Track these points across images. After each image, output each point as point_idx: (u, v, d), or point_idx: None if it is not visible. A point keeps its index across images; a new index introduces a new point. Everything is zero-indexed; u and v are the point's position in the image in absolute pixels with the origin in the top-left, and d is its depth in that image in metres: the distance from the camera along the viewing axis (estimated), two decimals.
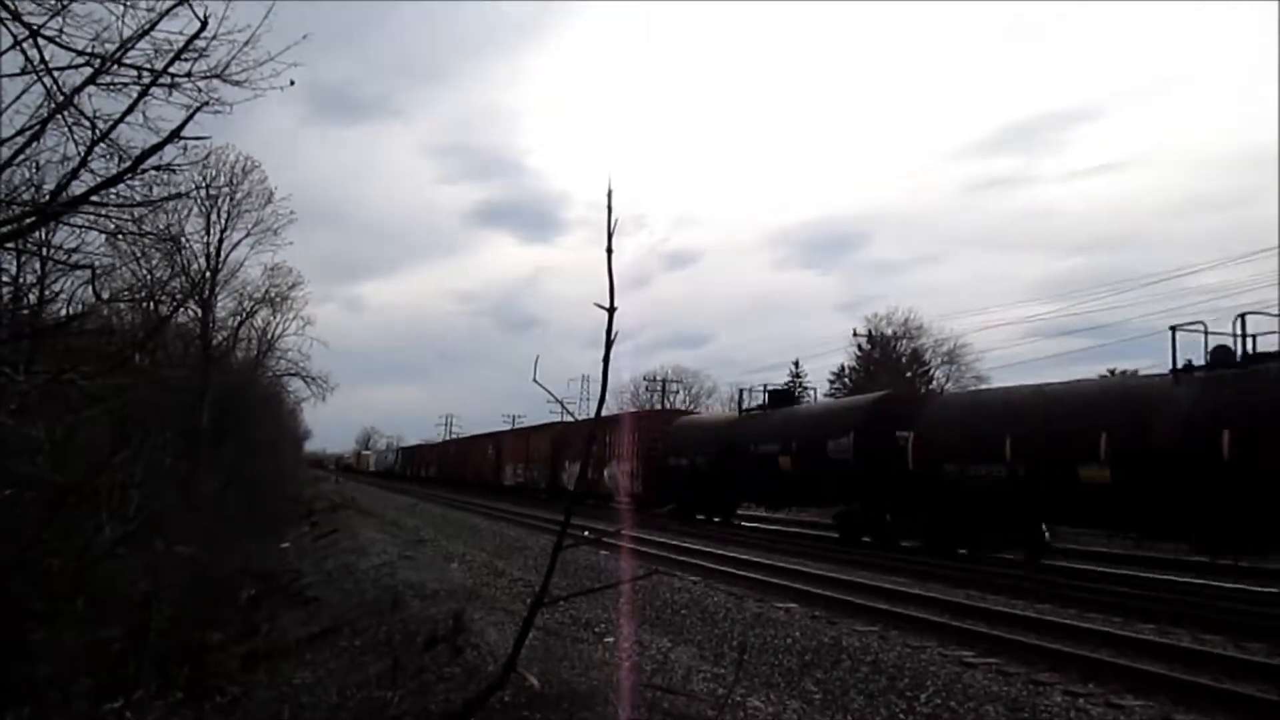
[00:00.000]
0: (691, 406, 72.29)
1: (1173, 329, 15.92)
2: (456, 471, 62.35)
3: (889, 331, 60.99)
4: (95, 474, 6.67)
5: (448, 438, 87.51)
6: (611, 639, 10.97)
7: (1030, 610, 12.19)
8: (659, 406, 66.35)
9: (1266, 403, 13.74)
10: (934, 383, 56.01)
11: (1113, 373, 18.92)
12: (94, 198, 6.86)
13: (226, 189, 33.25)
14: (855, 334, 61.40)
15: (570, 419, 26.71)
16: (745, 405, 31.79)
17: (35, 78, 6.92)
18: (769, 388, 31.06)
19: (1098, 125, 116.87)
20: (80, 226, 7.69)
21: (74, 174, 6.58)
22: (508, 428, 61.59)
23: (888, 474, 21.04)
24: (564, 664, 8.43)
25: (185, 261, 30.26)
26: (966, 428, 19.46)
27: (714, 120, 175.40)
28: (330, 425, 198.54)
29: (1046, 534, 19.42)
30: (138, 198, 7.75)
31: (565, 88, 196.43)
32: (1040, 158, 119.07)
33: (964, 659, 9.33)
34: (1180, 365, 15.68)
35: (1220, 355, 15.43)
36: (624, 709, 6.02)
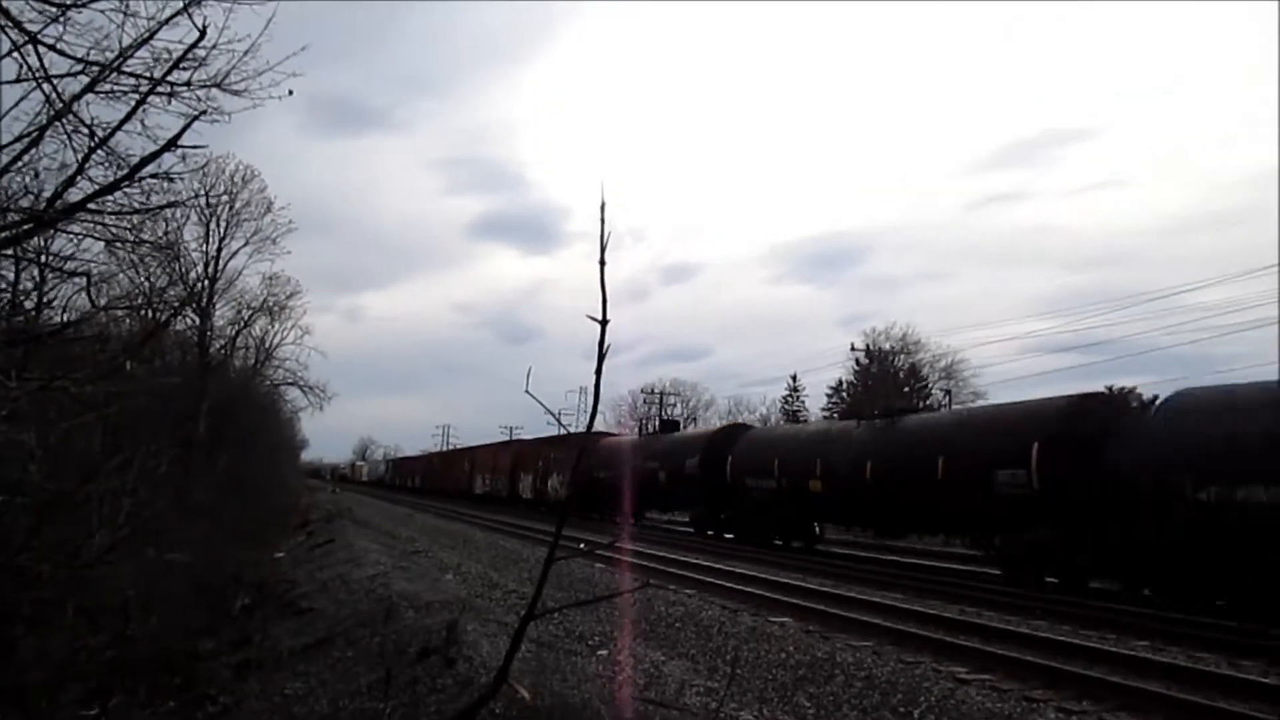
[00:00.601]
0: (688, 418, 72.51)
1: None
2: (438, 482, 66.86)
3: (887, 346, 61.06)
4: (86, 481, 6.65)
5: (443, 448, 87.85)
6: (605, 651, 10.95)
7: (1025, 627, 12.15)
8: (649, 422, 67.04)
9: (890, 444, 21.49)
10: (931, 397, 56.01)
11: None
12: (91, 205, 6.86)
13: (226, 198, 33.39)
14: (853, 348, 61.45)
15: (563, 430, 27.50)
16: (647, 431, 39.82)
17: (34, 85, 6.94)
18: (663, 419, 41.02)
19: (1097, 142, 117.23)
20: (77, 234, 7.69)
21: (71, 181, 6.59)
22: (480, 443, 65.93)
23: (719, 486, 28.14)
24: (556, 676, 8.40)
25: (184, 270, 30.31)
26: (756, 454, 26.91)
27: (714, 135, 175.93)
28: (328, 435, 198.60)
29: (818, 530, 27.12)
30: (135, 205, 7.77)
31: (566, 102, 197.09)
32: (1040, 174, 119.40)
33: (958, 675, 9.30)
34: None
35: (886, 410, 24.21)
36: None
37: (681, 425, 48.84)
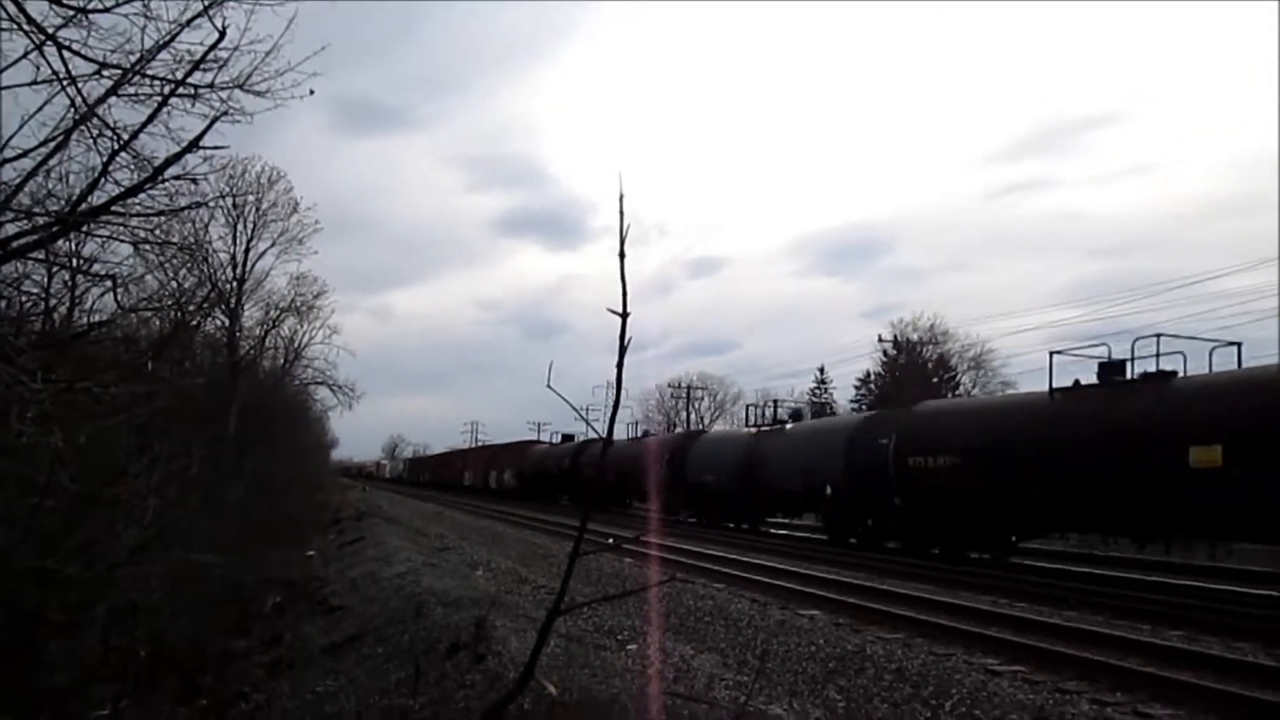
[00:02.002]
0: (715, 412, 72.92)
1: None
2: (440, 477, 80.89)
3: (915, 337, 60.69)
4: (113, 482, 6.70)
5: (472, 445, 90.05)
6: (634, 646, 10.93)
7: (1057, 617, 12.05)
8: (679, 423, 70.69)
9: (762, 449, 29.53)
10: (960, 388, 55.64)
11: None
12: (116, 207, 6.91)
13: (252, 199, 33.62)
14: (880, 340, 61.13)
15: (586, 427, 32.29)
16: (579, 440, 49.55)
17: (59, 88, 6.99)
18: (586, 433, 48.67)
19: (1124, 128, 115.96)
20: (103, 236, 7.75)
21: (96, 183, 6.64)
22: (471, 445, 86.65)
23: (680, 480, 33.45)
24: (585, 671, 8.39)
25: (211, 271, 30.54)
26: (710, 455, 33.14)
27: (736, 128, 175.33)
28: (358, 433, 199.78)
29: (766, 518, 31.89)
30: (161, 207, 7.82)
31: (588, 97, 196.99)
32: (1065, 162, 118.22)
33: (989, 667, 9.22)
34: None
35: (794, 413, 34.36)
36: (643, 716, 5.97)
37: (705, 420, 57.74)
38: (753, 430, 33.39)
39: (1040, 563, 19.86)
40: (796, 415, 34.84)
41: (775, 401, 46.17)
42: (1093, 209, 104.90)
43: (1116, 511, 17.05)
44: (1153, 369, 16.23)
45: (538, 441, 58.81)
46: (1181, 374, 16.24)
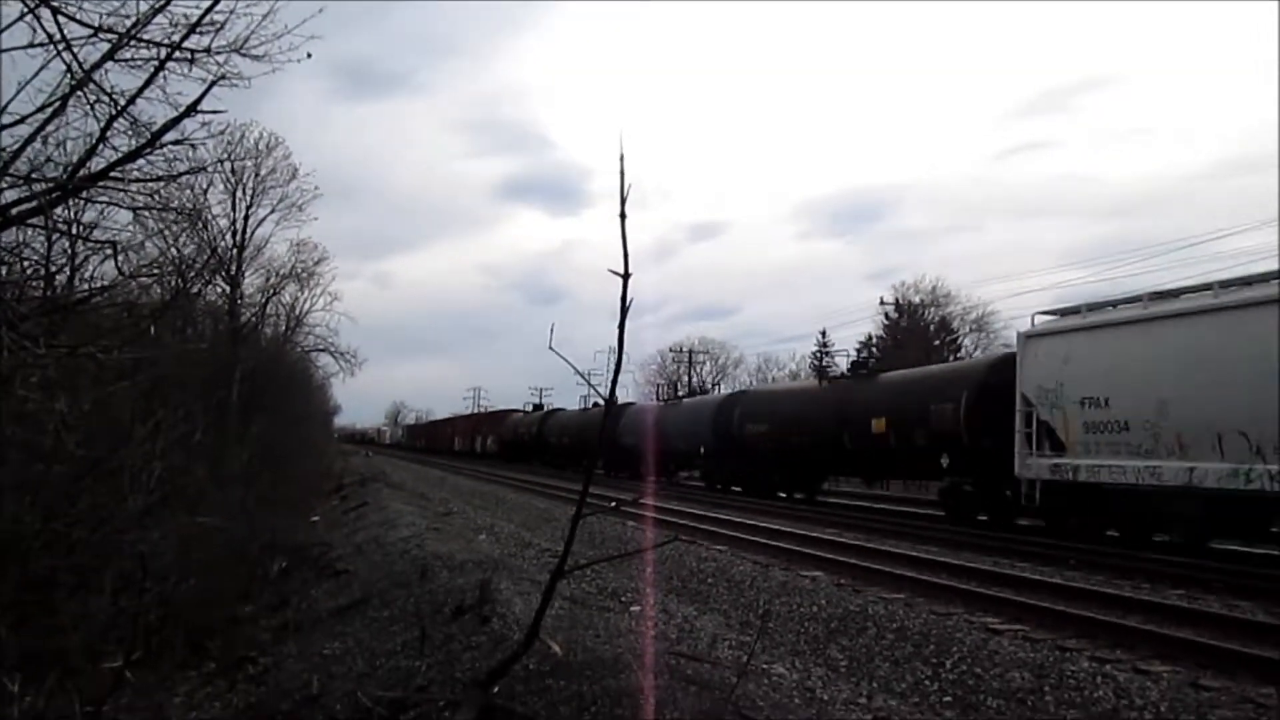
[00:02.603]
0: (718, 376, 73.26)
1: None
2: (434, 443, 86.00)
3: (917, 300, 60.61)
4: (118, 447, 6.72)
5: (474, 411, 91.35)
6: (638, 608, 11.02)
7: (1058, 577, 12.13)
8: (673, 387, 72.30)
9: (665, 418, 35.82)
10: (961, 350, 55.62)
11: None
12: (115, 173, 6.89)
13: (251, 165, 33.48)
14: (882, 302, 61.05)
15: (590, 392, 35.96)
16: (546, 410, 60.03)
17: (54, 53, 6.95)
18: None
19: (1128, 88, 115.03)
20: (102, 203, 7.73)
21: (94, 149, 6.61)
22: (474, 411, 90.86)
23: (613, 442, 39.82)
24: (589, 632, 8.45)
25: (211, 237, 30.46)
26: (633, 423, 39.68)
27: (739, 91, 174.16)
28: (362, 400, 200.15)
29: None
30: (159, 173, 7.80)
31: (590, 60, 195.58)
32: (1066, 123, 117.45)
33: (990, 625, 9.29)
34: None
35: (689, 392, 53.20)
36: (646, 675, 6.03)
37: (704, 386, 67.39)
38: (662, 403, 45.45)
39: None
40: (690, 393, 47.21)
41: (677, 384, 55.66)
42: (1099, 169, 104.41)
43: (849, 462, 25.96)
44: None
45: (514, 411, 67.13)
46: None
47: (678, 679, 6.41)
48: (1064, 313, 17.81)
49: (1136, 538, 15.41)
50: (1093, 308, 17.03)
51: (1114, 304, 16.90)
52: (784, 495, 28.38)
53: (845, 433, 24.13)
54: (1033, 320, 18.08)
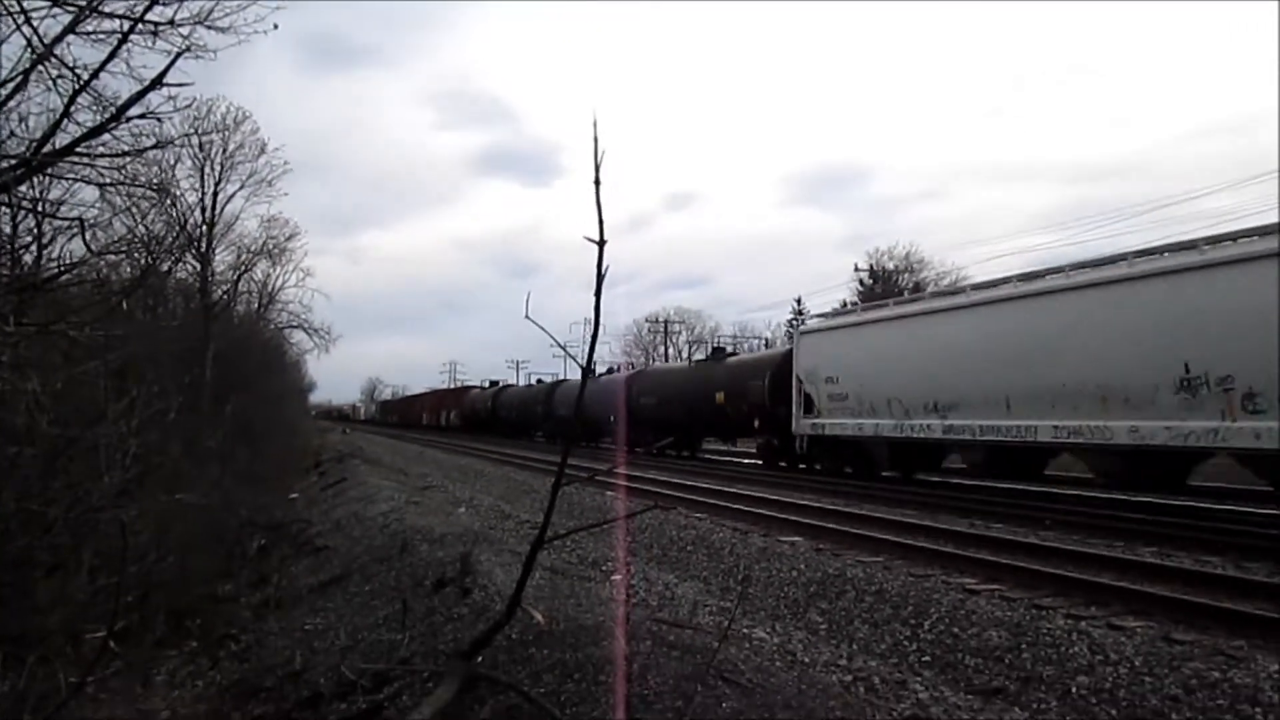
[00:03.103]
0: (693, 346, 73.33)
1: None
2: (405, 418, 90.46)
3: (891, 266, 60.83)
4: (91, 425, 6.66)
5: (450, 386, 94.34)
6: (619, 576, 11.08)
7: (1033, 537, 12.26)
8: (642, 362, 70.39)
9: (587, 392, 28.12)
10: None
11: None
12: (80, 149, 6.79)
13: (219, 140, 33.09)
14: (857, 269, 61.26)
15: (564, 362, 38.83)
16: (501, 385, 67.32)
17: (14, 26, 6.82)
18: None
19: (1096, 57, 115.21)
20: (68, 179, 7.62)
21: (58, 125, 6.50)
22: (426, 391, 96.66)
23: (550, 415, 46.83)
24: (571, 601, 8.50)
25: (180, 214, 30.12)
26: (563, 397, 45.47)
27: (713, 60, 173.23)
28: (337, 376, 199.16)
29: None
30: (124, 148, 7.68)
31: (562, 30, 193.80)
32: (1039, 88, 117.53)
33: (967, 586, 9.39)
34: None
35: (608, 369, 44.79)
36: (627, 642, 6.08)
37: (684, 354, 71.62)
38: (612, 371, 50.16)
39: (1020, 485, 20.14)
40: (608, 371, 46.38)
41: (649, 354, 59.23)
42: (1067, 134, 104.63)
43: (711, 427, 32.62)
44: None
45: (473, 388, 73.81)
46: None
47: (659, 645, 6.46)
48: (826, 315, 26.47)
49: (863, 472, 21.86)
50: (837, 313, 26.08)
51: (865, 307, 26.06)
52: (673, 453, 34.20)
53: (703, 404, 30.47)
54: (803, 320, 28.49)
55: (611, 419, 36.63)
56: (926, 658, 7.75)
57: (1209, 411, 13.51)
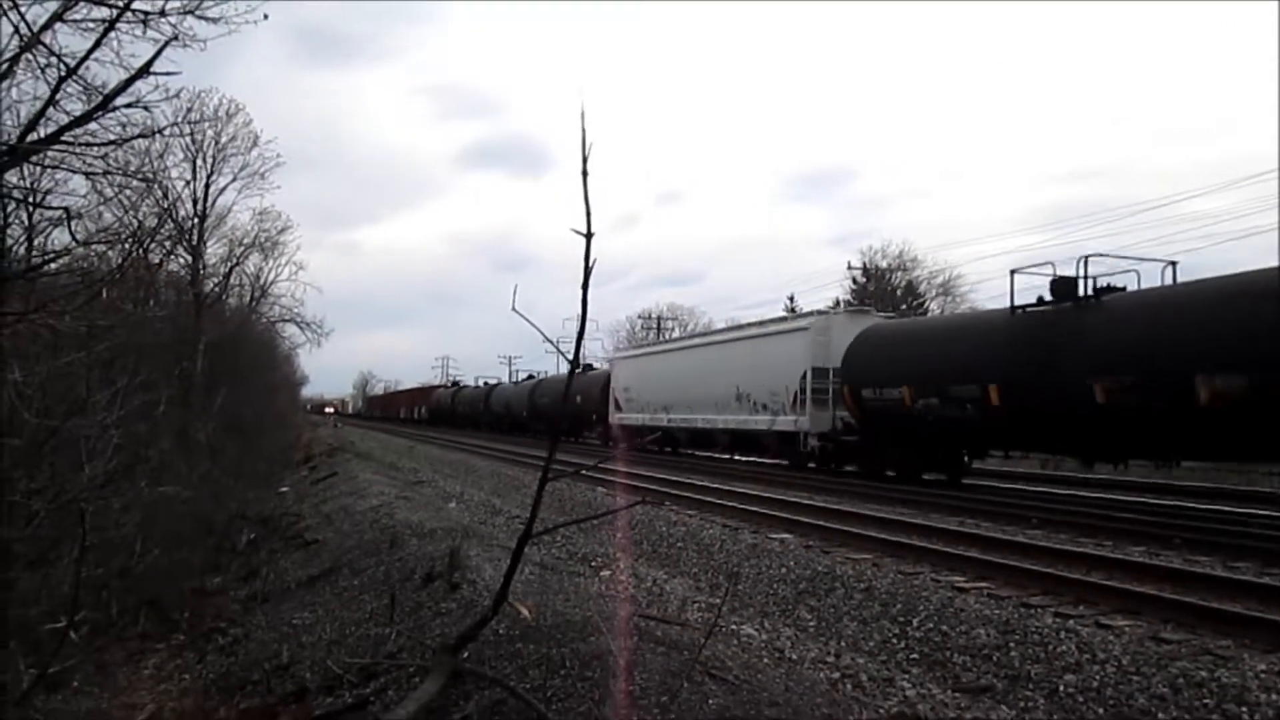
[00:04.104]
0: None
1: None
2: (387, 412, 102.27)
3: (883, 264, 60.84)
4: (72, 415, 6.61)
5: (444, 382, 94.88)
6: (608, 572, 11.05)
7: (1022, 536, 12.27)
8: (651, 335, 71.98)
9: (537, 390, 51.08)
10: (928, 314, 55.89)
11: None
12: (66, 137, 6.73)
13: (211, 132, 32.92)
14: (850, 267, 61.27)
15: (556, 355, 40.58)
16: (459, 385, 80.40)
17: (1, 13, 6.75)
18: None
19: (1085, 53, 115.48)
20: (55, 167, 7.56)
21: (43, 112, 6.44)
22: (403, 389, 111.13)
23: (487, 410, 60.63)
24: (559, 597, 8.47)
25: (171, 205, 29.98)
26: (510, 395, 56.93)
27: (705, 54, 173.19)
28: (329, 371, 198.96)
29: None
30: (113, 136, 7.62)
31: (554, 24, 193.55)
32: (1031, 87, 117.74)
33: (956, 584, 9.37)
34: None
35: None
36: (615, 638, 6.05)
37: None
38: (533, 379, 57.61)
39: (1004, 484, 20.19)
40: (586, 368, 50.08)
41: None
42: (1057, 134, 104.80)
43: (573, 422, 42.99)
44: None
45: (438, 388, 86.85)
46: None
47: (647, 640, 6.45)
48: (629, 349, 44.21)
49: (665, 448, 33.45)
50: (634, 348, 46.33)
51: (659, 341, 45.42)
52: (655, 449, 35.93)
53: (572, 405, 40.57)
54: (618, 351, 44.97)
55: (595, 416, 41.31)
56: (914, 655, 7.73)
57: (747, 411, 27.18)
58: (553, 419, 43.95)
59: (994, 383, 17.32)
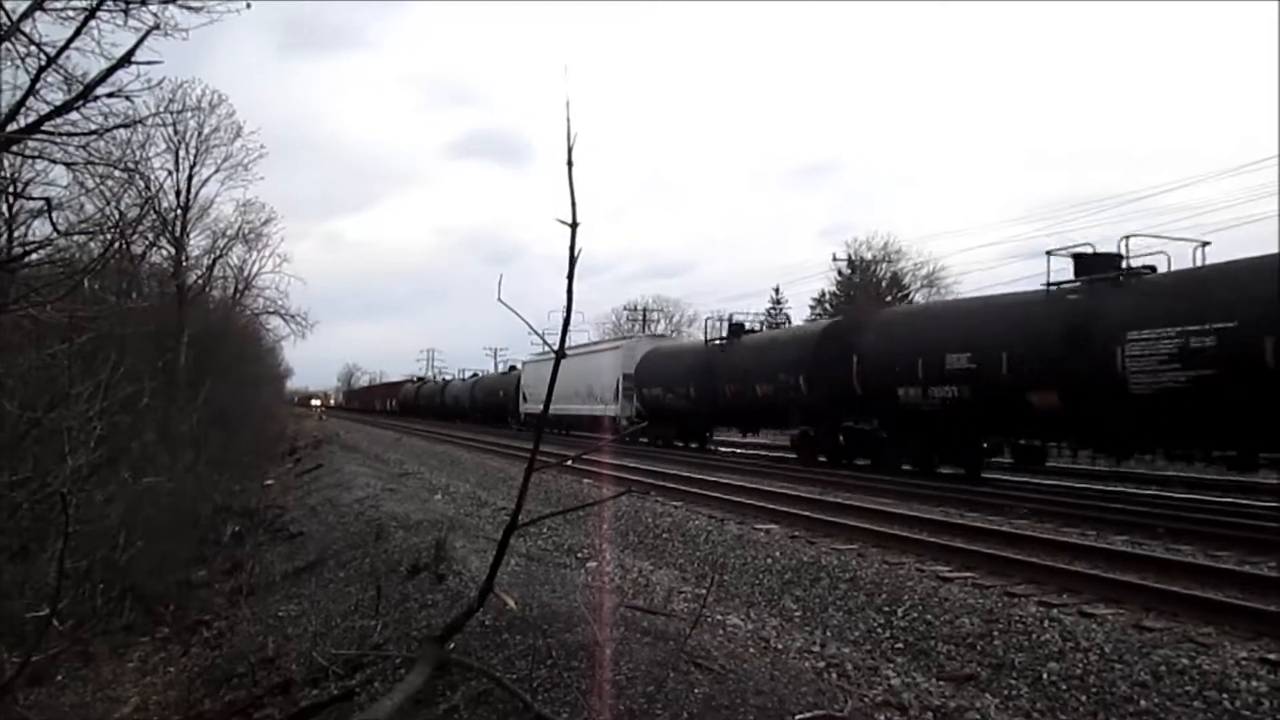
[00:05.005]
0: (672, 333, 73.32)
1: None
2: (365, 405, 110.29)
3: (869, 255, 60.95)
4: (53, 407, 6.57)
5: (429, 374, 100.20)
6: (594, 563, 11.07)
7: (1007, 526, 12.31)
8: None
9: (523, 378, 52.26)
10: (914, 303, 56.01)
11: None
12: (47, 126, 6.67)
13: (193, 124, 32.72)
14: (835, 259, 61.39)
15: (545, 344, 39.05)
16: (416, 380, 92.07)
17: None
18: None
19: (1077, 40, 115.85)
20: (35, 157, 7.49)
21: (23, 101, 6.38)
22: (378, 384, 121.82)
23: (441, 401, 71.81)
24: (545, 588, 8.49)
25: (154, 197, 29.74)
26: (458, 390, 68.78)
27: (692, 44, 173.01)
28: (314, 363, 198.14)
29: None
30: (94, 126, 7.57)
31: (540, 11, 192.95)
32: (1018, 74, 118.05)
33: (940, 574, 9.41)
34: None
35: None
36: (601, 628, 6.06)
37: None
38: (514, 366, 59.78)
39: (994, 475, 20.27)
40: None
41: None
42: (1048, 122, 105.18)
43: (506, 410, 51.60)
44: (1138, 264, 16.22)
45: (406, 383, 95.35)
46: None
47: (633, 631, 6.46)
48: (535, 354, 46.62)
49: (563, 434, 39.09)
50: (536, 356, 46.48)
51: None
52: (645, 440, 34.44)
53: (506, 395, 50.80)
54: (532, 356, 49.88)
55: (467, 405, 55.37)
56: (899, 644, 7.77)
57: (596, 402, 35.58)
58: (485, 409, 57.25)
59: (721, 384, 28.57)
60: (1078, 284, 16.62)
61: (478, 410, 59.24)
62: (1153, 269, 15.83)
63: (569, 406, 38.49)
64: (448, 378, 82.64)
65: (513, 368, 56.20)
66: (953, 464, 19.87)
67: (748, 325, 31.49)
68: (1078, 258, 16.71)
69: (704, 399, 29.67)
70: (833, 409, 22.77)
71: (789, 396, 24.63)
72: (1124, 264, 15.91)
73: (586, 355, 39.27)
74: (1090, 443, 17.19)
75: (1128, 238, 16.14)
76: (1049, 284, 17.16)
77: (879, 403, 20.56)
